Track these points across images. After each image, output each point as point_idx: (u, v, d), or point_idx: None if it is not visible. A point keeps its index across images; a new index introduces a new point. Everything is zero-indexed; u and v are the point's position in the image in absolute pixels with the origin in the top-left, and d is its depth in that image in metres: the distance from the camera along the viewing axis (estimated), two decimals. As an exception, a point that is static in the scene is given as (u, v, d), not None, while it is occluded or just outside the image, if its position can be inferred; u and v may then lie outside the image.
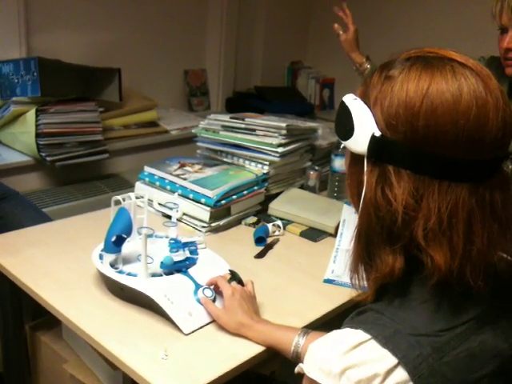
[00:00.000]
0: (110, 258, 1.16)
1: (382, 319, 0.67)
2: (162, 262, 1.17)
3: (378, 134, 0.67)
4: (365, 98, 0.70)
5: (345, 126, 0.71)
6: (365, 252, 0.71)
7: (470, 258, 0.66)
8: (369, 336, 0.65)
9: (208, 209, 1.50)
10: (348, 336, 0.66)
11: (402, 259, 0.67)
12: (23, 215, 1.67)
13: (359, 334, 0.66)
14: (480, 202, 0.65)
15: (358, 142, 0.69)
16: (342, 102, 0.73)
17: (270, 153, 1.67)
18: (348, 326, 0.68)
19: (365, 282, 0.74)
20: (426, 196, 0.65)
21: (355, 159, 0.72)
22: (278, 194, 1.73)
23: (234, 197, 1.57)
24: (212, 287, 1.14)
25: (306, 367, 0.68)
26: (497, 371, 0.68)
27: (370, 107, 0.69)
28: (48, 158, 1.98)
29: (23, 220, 1.61)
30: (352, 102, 0.71)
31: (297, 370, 0.71)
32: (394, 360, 0.63)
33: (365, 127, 0.68)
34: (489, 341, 0.68)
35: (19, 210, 1.70)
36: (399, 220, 0.65)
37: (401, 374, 0.63)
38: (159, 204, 1.59)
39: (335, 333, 0.69)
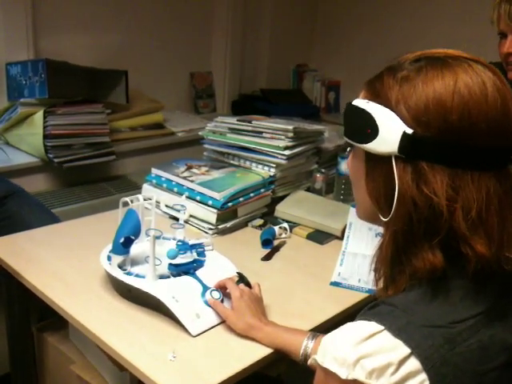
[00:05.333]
0: (118, 259, 1.17)
1: (395, 311, 0.68)
2: (167, 257, 1.17)
3: (409, 131, 0.68)
4: (379, 99, 0.71)
5: (364, 129, 0.71)
6: (402, 252, 0.71)
7: (503, 243, 0.69)
8: (382, 327, 0.66)
9: (215, 211, 1.51)
10: (361, 327, 0.67)
11: (441, 254, 0.68)
12: (30, 215, 1.67)
13: (373, 325, 0.67)
14: (506, 189, 0.69)
15: (385, 142, 0.69)
16: (355, 107, 0.73)
17: (276, 155, 1.67)
18: (361, 319, 0.69)
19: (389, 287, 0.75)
20: (462, 188, 0.67)
21: (375, 161, 0.72)
22: (284, 197, 1.73)
23: (241, 199, 1.58)
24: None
25: (319, 358, 0.69)
26: (506, 364, 0.70)
27: (390, 108, 0.69)
28: (55, 160, 1.99)
29: (30, 220, 1.61)
30: (366, 105, 0.72)
31: (310, 362, 0.72)
32: (406, 350, 0.64)
33: (391, 127, 0.69)
34: (498, 335, 0.70)
35: (26, 209, 1.69)
36: (445, 213, 0.66)
37: (413, 363, 0.64)
38: (166, 206, 1.60)
39: (349, 325, 0.70)
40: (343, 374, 0.65)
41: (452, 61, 0.69)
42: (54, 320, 1.43)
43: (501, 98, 0.67)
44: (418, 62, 0.71)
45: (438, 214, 0.67)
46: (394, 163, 0.69)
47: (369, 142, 0.71)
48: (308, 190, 1.83)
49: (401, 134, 0.68)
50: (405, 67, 0.71)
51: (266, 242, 1.50)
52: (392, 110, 0.69)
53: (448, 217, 0.67)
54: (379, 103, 0.71)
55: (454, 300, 0.69)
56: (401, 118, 0.69)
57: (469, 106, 0.66)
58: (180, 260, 1.20)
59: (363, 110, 0.71)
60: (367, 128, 0.71)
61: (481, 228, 0.67)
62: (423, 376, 0.64)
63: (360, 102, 0.73)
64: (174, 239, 1.30)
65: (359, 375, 0.64)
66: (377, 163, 0.72)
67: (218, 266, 1.24)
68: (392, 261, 0.73)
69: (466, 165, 0.67)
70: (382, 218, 0.73)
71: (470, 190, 0.67)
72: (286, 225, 1.58)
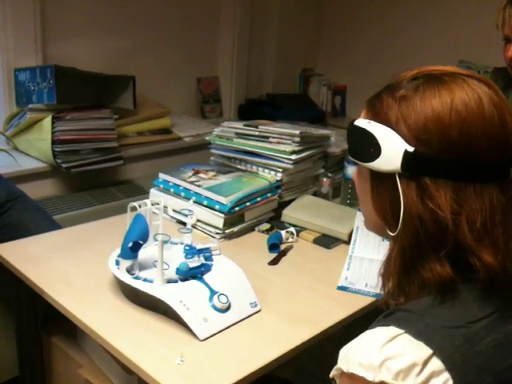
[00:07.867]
0: (126, 263, 1.17)
1: (412, 316, 0.69)
2: (177, 269, 1.18)
3: (410, 149, 0.70)
4: (380, 119, 0.73)
5: (367, 149, 0.74)
6: (410, 265, 0.73)
7: (508, 252, 0.71)
8: (402, 330, 0.67)
9: (222, 215, 1.52)
10: (381, 332, 0.68)
11: (449, 265, 0.70)
12: (30, 222, 1.67)
13: (392, 330, 0.68)
14: (509, 198, 0.71)
15: (388, 161, 0.72)
16: (357, 127, 0.76)
17: (283, 160, 1.68)
18: (379, 325, 0.70)
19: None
20: (465, 200, 0.69)
21: (379, 179, 0.74)
22: (291, 201, 1.74)
23: (248, 203, 1.58)
24: (227, 293, 1.15)
25: (343, 365, 0.69)
26: None
27: (391, 127, 0.72)
28: (63, 165, 2.00)
29: (30, 227, 1.60)
30: (368, 125, 0.74)
31: (332, 374, 0.72)
32: (428, 351, 0.65)
33: (393, 146, 0.71)
34: None
35: (27, 216, 1.69)
36: (451, 227, 0.68)
37: (436, 363, 0.65)
38: (174, 210, 1.60)
39: (367, 332, 0.70)
40: (370, 377, 0.66)
41: (448, 78, 0.71)
42: (62, 323, 1.44)
43: (497, 111, 0.69)
44: (416, 80, 0.73)
45: (444, 227, 0.69)
46: (398, 180, 0.71)
47: (372, 161, 0.73)
48: (314, 194, 1.84)
49: (403, 152, 0.70)
50: (402, 86, 0.73)
51: (272, 247, 1.50)
52: (393, 129, 0.71)
53: (454, 230, 0.68)
54: (380, 123, 0.73)
55: (466, 302, 0.70)
56: (402, 137, 0.71)
57: (467, 123, 0.68)
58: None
59: (365, 130, 0.74)
60: (370, 147, 0.73)
61: (486, 238, 0.69)
62: (446, 375, 0.65)
63: (362, 122, 0.75)
64: (182, 244, 1.31)
65: (386, 377, 0.65)
66: (381, 180, 0.74)
67: (226, 271, 1.25)
68: (400, 273, 0.75)
69: (469, 178, 0.69)
70: (389, 232, 0.75)
71: (474, 202, 0.68)
72: (292, 229, 1.58)
